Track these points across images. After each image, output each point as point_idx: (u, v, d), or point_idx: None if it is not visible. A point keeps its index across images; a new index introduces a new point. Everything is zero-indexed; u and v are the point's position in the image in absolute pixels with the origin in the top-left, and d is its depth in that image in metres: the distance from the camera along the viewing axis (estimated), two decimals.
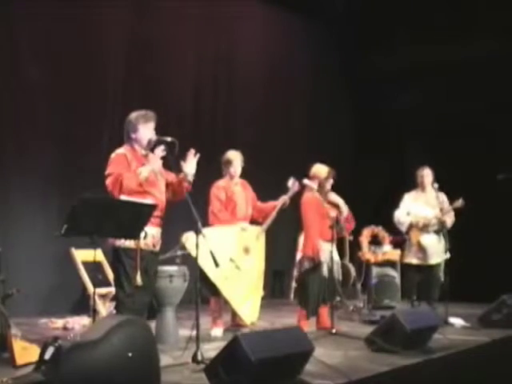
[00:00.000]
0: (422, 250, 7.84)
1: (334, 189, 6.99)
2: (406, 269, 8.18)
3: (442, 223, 7.67)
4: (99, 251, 6.79)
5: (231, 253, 6.57)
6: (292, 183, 6.90)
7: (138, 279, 4.90)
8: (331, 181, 6.92)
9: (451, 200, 7.75)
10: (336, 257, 6.87)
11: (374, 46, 11.19)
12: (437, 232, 7.75)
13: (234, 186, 6.87)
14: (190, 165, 5.20)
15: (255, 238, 6.86)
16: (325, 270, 6.71)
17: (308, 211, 6.84)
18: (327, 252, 6.70)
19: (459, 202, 7.66)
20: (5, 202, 7.75)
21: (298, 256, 7.05)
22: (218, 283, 6.42)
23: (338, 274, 6.87)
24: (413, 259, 7.91)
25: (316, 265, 6.69)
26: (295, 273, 6.89)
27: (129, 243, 4.92)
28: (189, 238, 6.18)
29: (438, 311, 7.24)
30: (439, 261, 7.72)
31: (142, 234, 4.91)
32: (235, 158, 6.82)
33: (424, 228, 7.81)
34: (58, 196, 7.96)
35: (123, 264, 4.94)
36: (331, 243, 6.70)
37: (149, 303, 5.32)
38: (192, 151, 5.21)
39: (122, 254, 4.95)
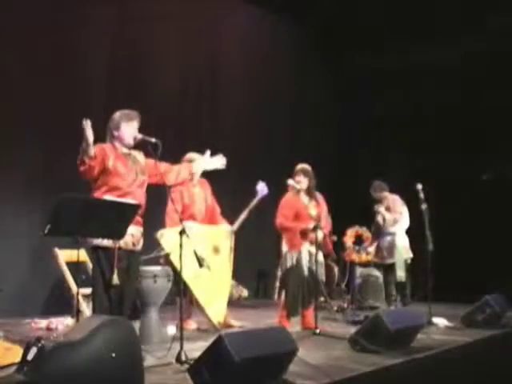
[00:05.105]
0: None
1: (317, 188, 6.98)
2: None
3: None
4: (83, 251, 6.76)
5: (201, 252, 6.54)
6: (261, 187, 6.89)
7: (115, 278, 4.90)
8: (302, 178, 6.79)
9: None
10: (320, 257, 6.79)
11: (359, 46, 11.21)
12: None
13: (192, 187, 6.85)
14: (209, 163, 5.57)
15: (225, 239, 6.85)
16: (305, 270, 6.67)
17: (280, 210, 6.78)
18: (305, 251, 6.69)
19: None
20: None
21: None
22: (189, 282, 6.36)
23: (321, 274, 6.79)
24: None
25: (296, 264, 6.66)
26: (279, 272, 6.85)
27: (107, 242, 4.91)
28: (164, 235, 6.20)
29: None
30: (394, 261, 7.99)
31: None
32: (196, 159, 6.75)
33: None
34: (41, 196, 7.89)
35: (101, 262, 4.94)
36: (311, 243, 6.67)
37: (130, 302, 5.29)
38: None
39: (100, 252, 4.95)
